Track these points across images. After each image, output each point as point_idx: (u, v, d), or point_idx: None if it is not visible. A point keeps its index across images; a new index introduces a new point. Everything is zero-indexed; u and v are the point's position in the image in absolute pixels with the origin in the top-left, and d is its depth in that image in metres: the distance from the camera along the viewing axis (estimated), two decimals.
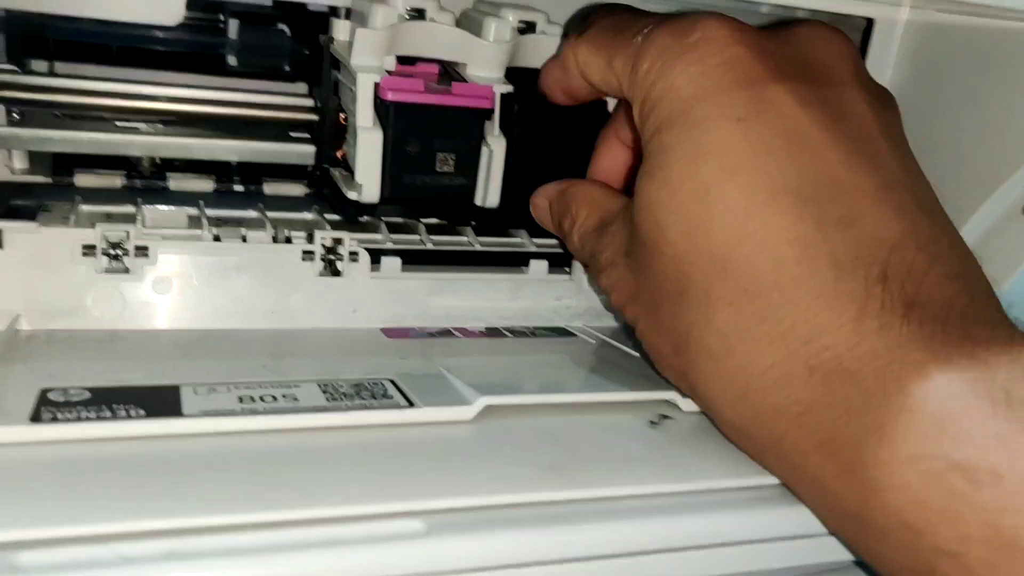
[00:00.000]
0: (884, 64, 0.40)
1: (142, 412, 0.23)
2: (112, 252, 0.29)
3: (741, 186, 0.23)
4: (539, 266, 0.35)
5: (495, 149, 0.33)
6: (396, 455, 0.23)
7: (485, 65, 0.33)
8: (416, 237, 0.35)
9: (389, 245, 0.34)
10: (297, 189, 0.40)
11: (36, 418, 0.22)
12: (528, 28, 0.34)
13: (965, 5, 0.30)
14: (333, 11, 0.35)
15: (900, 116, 0.27)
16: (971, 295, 0.22)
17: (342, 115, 0.34)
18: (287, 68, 0.41)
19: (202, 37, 0.39)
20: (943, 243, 0.24)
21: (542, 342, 0.33)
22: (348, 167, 0.34)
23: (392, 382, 0.27)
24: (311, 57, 0.39)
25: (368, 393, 0.26)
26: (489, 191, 0.34)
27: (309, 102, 0.38)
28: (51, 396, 0.23)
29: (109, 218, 0.33)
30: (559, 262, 0.36)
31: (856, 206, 0.23)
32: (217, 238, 0.31)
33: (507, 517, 0.22)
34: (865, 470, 0.21)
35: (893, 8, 0.39)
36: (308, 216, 0.36)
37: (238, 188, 0.39)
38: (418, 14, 0.32)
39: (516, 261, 0.36)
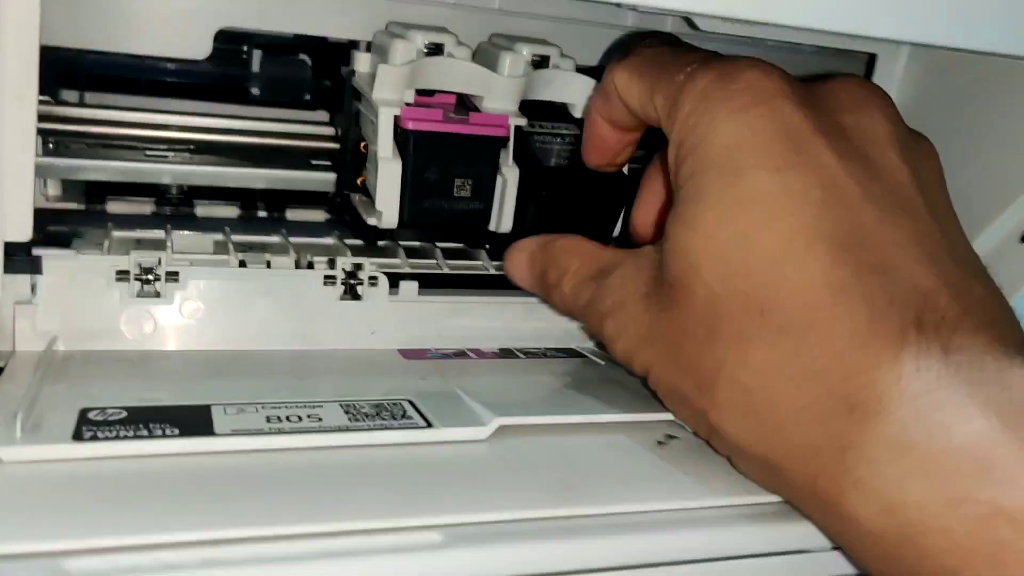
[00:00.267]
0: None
1: (176, 431, 0.24)
2: (144, 277, 0.30)
3: (779, 233, 0.24)
4: None
5: (508, 178, 0.35)
6: (416, 472, 0.25)
7: (500, 98, 0.34)
8: (433, 261, 0.36)
9: (407, 269, 0.35)
10: (318, 215, 0.41)
11: (78, 436, 0.23)
12: (542, 62, 0.35)
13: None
14: (353, 44, 0.37)
15: (939, 164, 0.28)
16: (1005, 344, 0.22)
17: (362, 144, 0.35)
18: (308, 97, 0.42)
19: (227, 68, 0.41)
20: (976, 292, 0.24)
21: (554, 363, 0.34)
22: (367, 192, 0.35)
23: (411, 402, 0.28)
24: (331, 87, 0.41)
25: (388, 413, 0.27)
26: (503, 217, 0.35)
27: (330, 131, 0.39)
28: (91, 415, 0.25)
29: (139, 244, 0.34)
30: None
31: (890, 256, 0.23)
32: (243, 263, 0.33)
33: (520, 531, 0.23)
34: (906, 512, 0.21)
35: (895, 44, 0.40)
36: (329, 241, 0.37)
37: (262, 214, 0.41)
38: (436, 48, 0.33)
39: None
